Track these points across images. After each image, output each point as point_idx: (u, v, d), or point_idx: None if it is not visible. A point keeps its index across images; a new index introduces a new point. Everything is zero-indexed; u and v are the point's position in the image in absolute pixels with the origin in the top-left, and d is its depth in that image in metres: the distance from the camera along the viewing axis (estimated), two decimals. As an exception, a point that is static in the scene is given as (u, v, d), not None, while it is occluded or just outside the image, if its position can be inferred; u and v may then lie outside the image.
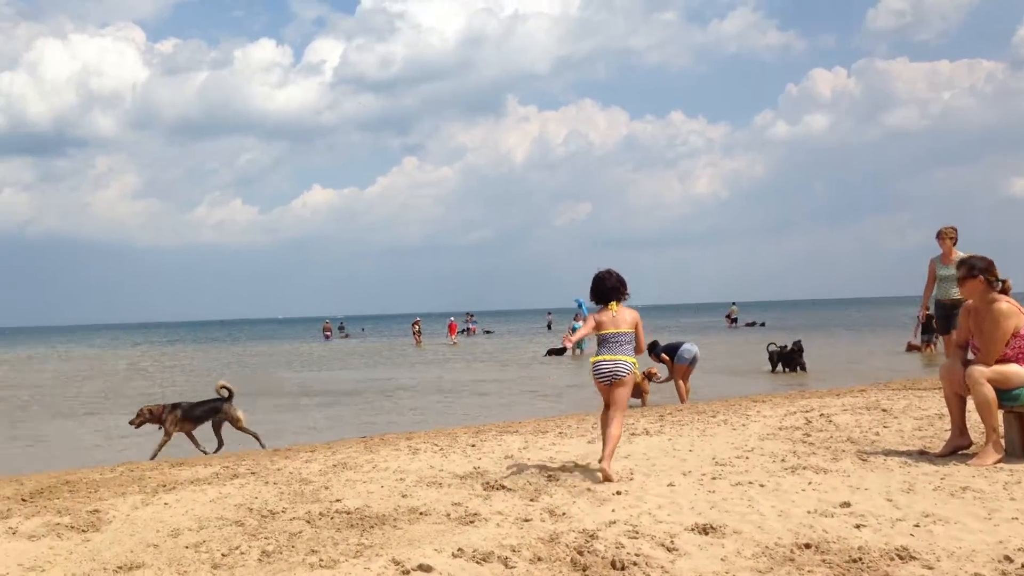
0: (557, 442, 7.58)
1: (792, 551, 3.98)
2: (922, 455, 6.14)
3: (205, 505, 5.35)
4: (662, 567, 3.83)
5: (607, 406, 6.25)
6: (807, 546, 4.03)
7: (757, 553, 3.98)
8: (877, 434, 7.14)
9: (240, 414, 9.12)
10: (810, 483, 5.36)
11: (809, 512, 4.66)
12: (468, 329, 51.18)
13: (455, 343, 40.80)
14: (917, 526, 4.30)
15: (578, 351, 27.55)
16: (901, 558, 3.81)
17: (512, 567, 3.88)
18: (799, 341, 18.58)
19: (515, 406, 13.85)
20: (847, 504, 4.76)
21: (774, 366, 18.31)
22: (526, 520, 4.70)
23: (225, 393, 9.10)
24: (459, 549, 4.12)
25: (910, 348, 22.78)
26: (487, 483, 5.71)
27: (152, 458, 8.48)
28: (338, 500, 5.36)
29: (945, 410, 6.47)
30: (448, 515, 4.87)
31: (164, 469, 7.16)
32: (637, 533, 4.37)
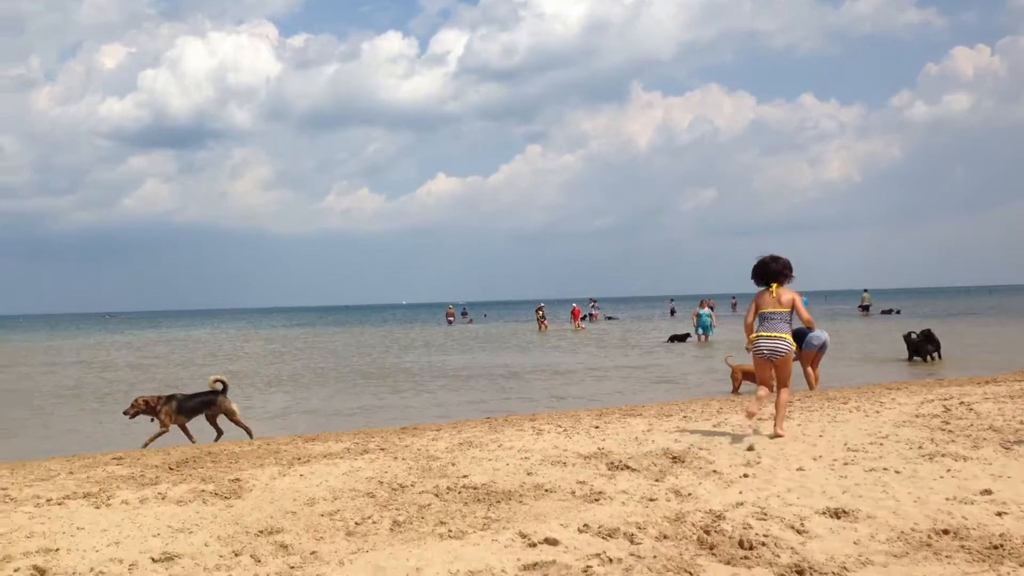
0: (681, 425, 7.53)
1: (929, 537, 3.86)
2: (1072, 444, 5.84)
3: (338, 477, 5.55)
4: (792, 548, 3.78)
5: (763, 382, 7.07)
6: (945, 532, 3.90)
7: (892, 538, 3.88)
8: (1022, 423, 6.81)
9: (235, 407, 8.88)
10: (948, 470, 5.17)
11: (947, 499, 4.50)
12: (591, 315, 51.08)
13: (578, 328, 40.83)
14: (1066, 516, 4.10)
15: (702, 337, 27.19)
16: (1048, 547, 3.65)
17: (638, 543, 3.90)
18: (928, 330, 17.84)
19: (638, 390, 13.79)
20: (988, 492, 4.58)
21: (911, 355, 17.64)
22: (651, 499, 4.70)
23: (219, 387, 8.87)
24: (584, 525, 4.16)
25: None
26: (611, 463, 5.73)
27: (144, 447, 8.17)
28: (465, 476, 5.47)
29: (1098, 398, 6.12)
30: (573, 492, 4.92)
31: (298, 443, 7.46)
32: (765, 515, 4.31)
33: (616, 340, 30.30)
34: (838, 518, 4.23)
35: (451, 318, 56.86)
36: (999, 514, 4.17)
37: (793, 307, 7.02)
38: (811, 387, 12.11)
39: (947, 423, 6.93)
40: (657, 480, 5.20)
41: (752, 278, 7.19)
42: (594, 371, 17.89)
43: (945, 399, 8.42)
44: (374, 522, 4.35)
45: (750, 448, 6.12)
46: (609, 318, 53.04)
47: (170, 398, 8.57)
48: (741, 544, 3.83)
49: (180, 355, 28.83)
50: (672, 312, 57.56)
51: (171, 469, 6.16)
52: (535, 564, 3.60)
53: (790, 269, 7.06)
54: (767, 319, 7.03)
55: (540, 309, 44.71)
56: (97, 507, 4.85)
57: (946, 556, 3.59)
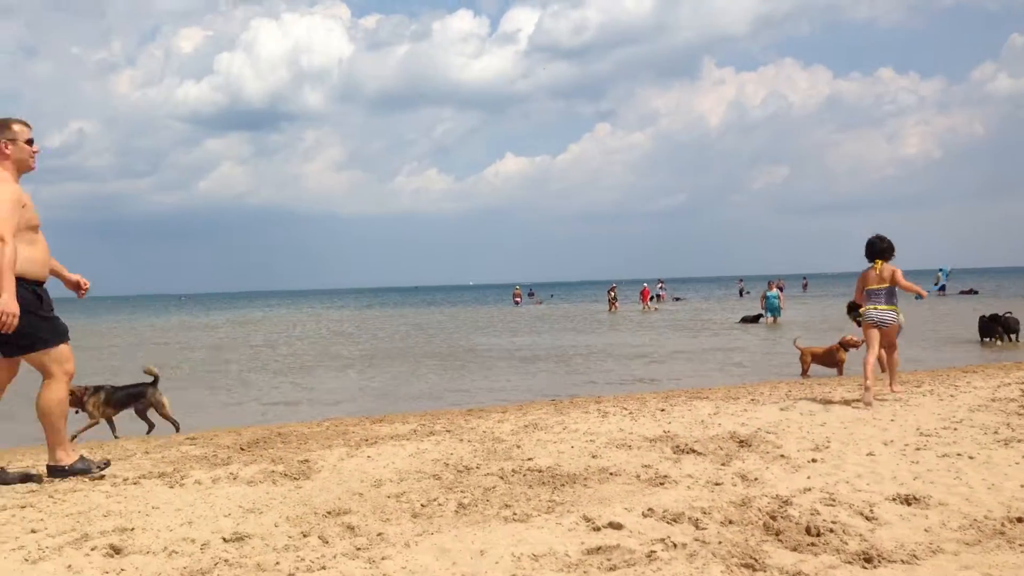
0: (749, 408, 7.46)
1: (1003, 524, 3.77)
2: None
3: (404, 459, 5.64)
4: (860, 535, 3.73)
5: (870, 348, 7.96)
6: (1019, 520, 3.81)
7: (964, 525, 3.80)
8: (1105, 407, 6.61)
9: (164, 399, 8.50)
10: (1025, 456, 5.04)
11: (1022, 486, 4.39)
12: (658, 296, 50.82)
13: (651, 309, 40.72)
14: None
15: (770, 318, 26.83)
16: None
17: (703, 528, 3.88)
18: (996, 314, 17.38)
19: (706, 373, 13.69)
20: (1068, 479, 4.46)
21: (982, 337, 17.22)
22: (717, 484, 4.68)
23: (150, 377, 8.48)
24: (649, 509, 4.16)
25: None
26: (677, 447, 5.71)
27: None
28: (530, 459, 5.51)
29: None
30: (638, 476, 4.92)
31: (366, 425, 7.59)
32: (834, 501, 4.26)
33: (685, 321, 30.07)
34: (908, 504, 4.16)
35: (518, 299, 57.05)
36: (1078, 502, 4.06)
37: (894, 280, 8.03)
38: (883, 370, 11.87)
39: (1025, 408, 6.75)
40: (723, 464, 5.17)
41: (866, 254, 8.24)
42: (662, 352, 17.80)
43: (1023, 383, 8.19)
44: (439, 504, 4.41)
45: (822, 424, 6.05)
46: (677, 299, 52.70)
47: (98, 389, 8.23)
48: (808, 530, 3.79)
49: (260, 335, 29.45)
50: (741, 293, 56.99)
51: (242, 450, 6.32)
52: (599, 548, 3.61)
53: (892, 248, 8.16)
54: (873, 294, 8.13)
55: (612, 290, 44.62)
56: (171, 487, 5.00)
57: (1020, 544, 3.51)
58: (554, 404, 8.85)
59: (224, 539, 3.87)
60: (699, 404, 7.92)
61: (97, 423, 8.16)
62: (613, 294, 43.63)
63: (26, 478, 5.17)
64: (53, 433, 5.16)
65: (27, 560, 3.60)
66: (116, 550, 3.74)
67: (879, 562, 3.39)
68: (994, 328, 17.02)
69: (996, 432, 5.79)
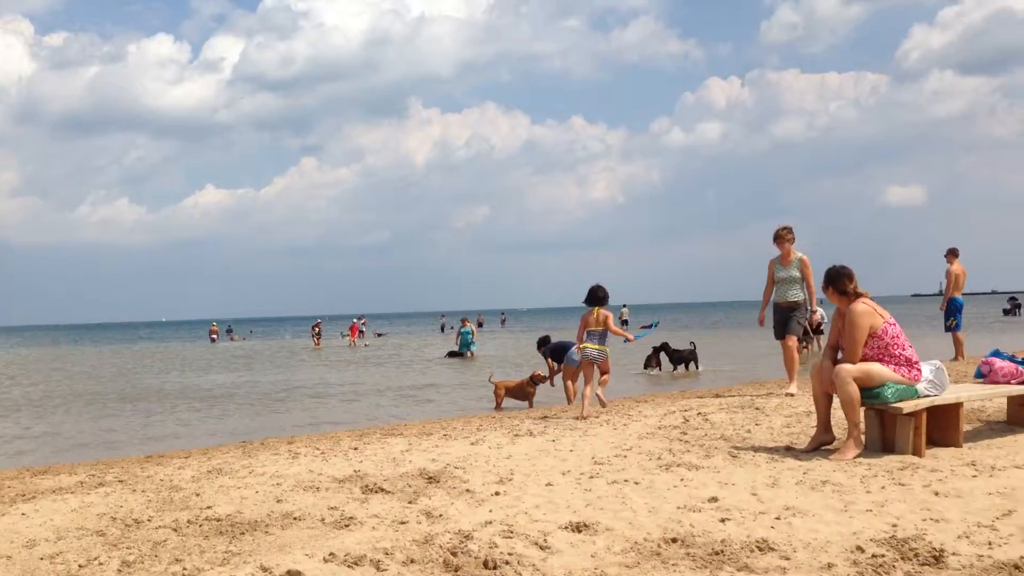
0: (440, 444, 7.58)
1: (659, 545, 4.07)
2: (789, 451, 6.37)
3: (66, 515, 5.14)
4: (533, 565, 3.87)
5: (586, 379, 9.73)
6: (673, 540, 4.13)
7: (626, 548, 4.06)
8: (749, 431, 7.38)
9: None
10: (682, 479, 5.50)
11: (678, 507, 4.78)
12: (361, 332, 50.68)
13: (354, 345, 40.69)
14: (778, 519, 4.45)
15: (470, 353, 27.63)
16: (760, 550, 3.94)
17: (384, 570, 3.86)
18: (666, 343, 19.18)
19: (404, 408, 13.79)
20: (715, 499, 4.90)
21: (645, 365, 18.90)
22: (402, 522, 4.68)
23: None
24: (331, 553, 4.07)
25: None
26: (366, 486, 5.66)
27: None
28: (209, 507, 5.23)
29: (813, 407, 6.73)
30: (323, 519, 4.81)
31: (25, 478, 6.87)
32: (512, 532, 4.40)
33: (388, 357, 30.19)
34: (579, 532, 4.38)
35: (215, 336, 54.65)
36: (723, 520, 4.47)
37: (607, 325, 9.63)
38: (569, 401, 12.55)
39: (685, 433, 7.39)
40: (410, 502, 5.19)
41: (586, 300, 9.72)
42: (363, 389, 17.72)
43: (685, 410, 8.98)
44: (100, 563, 4.05)
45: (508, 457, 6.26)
46: (380, 335, 52.87)
47: None
48: (486, 564, 3.88)
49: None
50: (443, 328, 58.28)
51: None
52: (274, 598, 3.48)
53: (608, 297, 9.74)
54: (591, 334, 9.71)
55: (317, 325, 44.21)
56: None
57: (672, 564, 3.81)
58: (243, 446, 8.50)
59: None
60: (393, 441, 7.93)
61: None
62: (318, 330, 43.20)
63: None
64: None
65: None
66: None
67: (548, 591, 3.53)
68: (656, 358, 18.74)
69: (659, 458, 6.28)
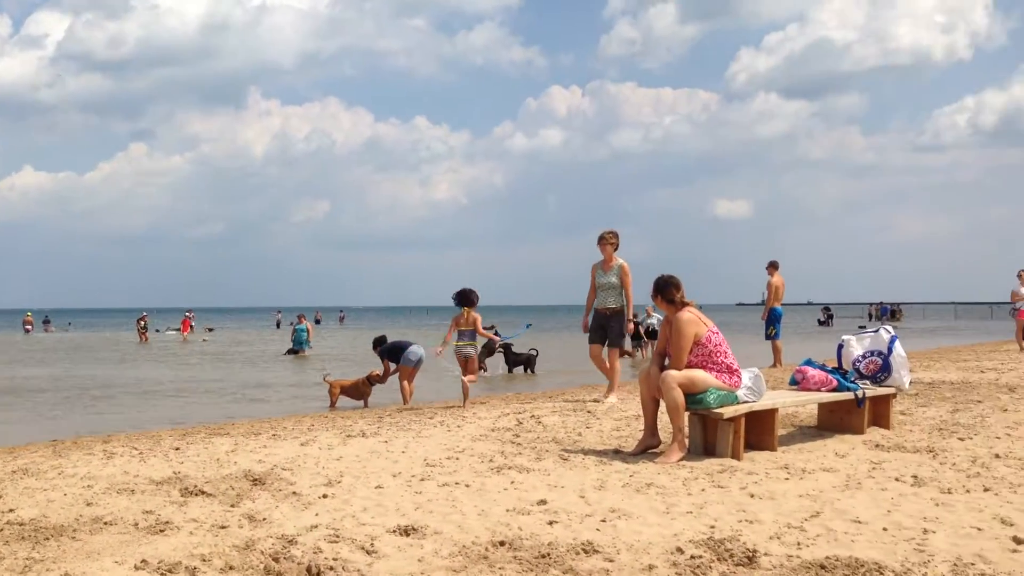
0: (269, 444, 7.35)
1: (487, 549, 4.07)
2: (617, 454, 6.53)
3: None
4: (359, 570, 3.79)
5: (464, 371, 10.64)
6: (501, 544, 4.14)
7: (454, 552, 4.04)
8: (580, 434, 7.52)
9: None
10: (512, 482, 5.53)
11: (508, 510, 4.80)
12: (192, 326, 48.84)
13: (186, 339, 39.29)
14: (604, 521, 4.54)
15: (303, 351, 27.10)
16: (586, 552, 4.00)
17: (200, 577, 3.69)
18: (508, 345, 19.41)
19: (233, 406, 13.34)
20: (543, 502, 4.96)
21: (508, 367, 19.07)
22: (222, 527, 4.49)
23: None
24: (143, 560, 3.86)
25: (621, 354, 24.35)
26: (185, 488, 5.41)
27: None
28: (11, 510, 4.87)
29: (641, 412, 6.92)
30: (136, 524, 4.56)
31: None
32: (338, 537, 4.30)
33: (221, 353, 29.20)
34: (407, 535, 4.33)
35: (29, 327, 51.41)
36: (550, 523, 4.52)
37: (475, 325, 10.71)
38: (405, 401, 12.47)
39: (517, 436, 7.45)
40: (233, 505, 5.00)
41: (456, 302, 10.70)
42: (190, 385, 17.04)
43: (519, 413, 9.08)
44: None
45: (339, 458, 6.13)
46: (209, 329, 51.08)
47: None
48: (309, 570, 3.77)
49: None
50: (278, 324, 56.96)
51: None
52: (77, 610, 3.26)
53: (478, 298, 10.74)
54: (462, 333, 10.73)
55: (143, 318, 42.26)
56: None
57: (499, 568, 3.81)
58: (53, 445, 7.99)
59: None
60: (218, 441, 7.64)
61: None
62: (143, 323, 41.31)
63: None
64: None
65: None
66: None
67: (372, 597, 3.47)
68: (480, 362, 19.02)
69: (491, 460, 6.31)
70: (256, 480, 5.69)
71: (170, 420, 11.30)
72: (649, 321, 23.44)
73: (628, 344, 24.33)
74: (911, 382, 8.30)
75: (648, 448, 6.54)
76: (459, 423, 8.44)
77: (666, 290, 6.59)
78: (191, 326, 44.58)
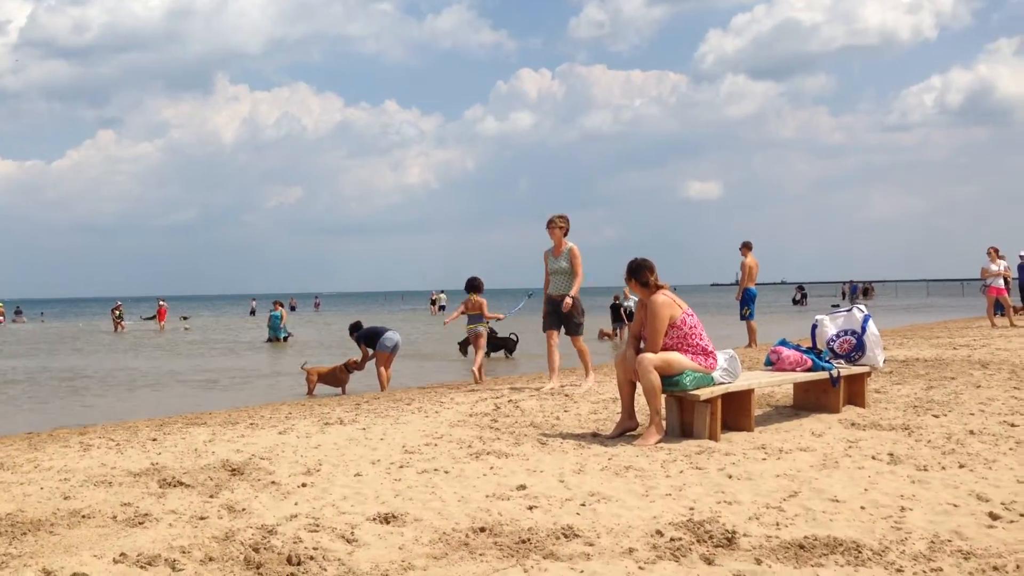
0: (247, 433, 7.31)
1: (467, 535, 4.08)
2: (595, 437, 6.55)
3: None
4: (339, 559, 3.79)
5: (477, 348, 12.51)
6: (482, 530, 4.15)
7: (434, 539, 4.04)
8: (558, 418, 7.54)
9: None
10: (492, 468, 5.54)
11: (488, 496, 4.81)
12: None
13: (163, 328, 39.11)
14: (583, 505, 4.56)
15: (279, 339, 26.97)
16: (566, 536, 4.02)
17: (180, 570, 3.67)
18: (492, 329, 19.40)
19: (210, 396, 13.27)
20: (523, 487, 4.97)
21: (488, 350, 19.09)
22: (202, 518, 4.47)
23: None
24: (122, 554, 3.83)
25: (602, 335, 24.45)
26: (164, 480, 5.38)
27: None
28: (-14, 506, 4.82)
29: (618, 395, 6.95)
30: (115, 517, 4.53)
31: None
32: (318, 526, 4.29)
33: (198, 342, 29.00)
34: (387, 523, 4.33)
35: (0, 318, 50.81)
36: (530, 508, 4.53)
37: (481, 309, 12.44)
38: (383, 387, 12.46)
39: (495, 421, 7.46)
40: (212, 496, 4.97)
41: (466, 288, 12.52)
42: (167, 375, 16.92)
43: (497, 397, 9.08)
44: None
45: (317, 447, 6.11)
46: (184, 318, 50.75)
47: None
48: (289, 560, 3.76)
49: None
50: (253, 312, 56.71)
51: None
52: (55, 606, 3.23)
53: (483, 286, 12.44)
54: (471, 317, 12.55)
55: (117, 308, 41.93)
56: None
57: (480, 554, 3.82)
58: (29, 438, 7.91)
59: None
60: (196, 431, 7.59)
61: None
62: (118, 312, 40.96)
63: None
64: None
65: None
66: None
67: (354, 586, 3.46)
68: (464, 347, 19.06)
69: (470, 446, 6.31)
70: (234, 470, 5.66)
71: (147, 411, 11.22)
72: (627, 303, 23.49)
73: (609, 326, 24.50)
74: (885, 360, 8.37)
75: (626, 431, 6.57)
76: (437, 409, 8.44)
77: (640, 273, 6.60)
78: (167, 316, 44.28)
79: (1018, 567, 3.49)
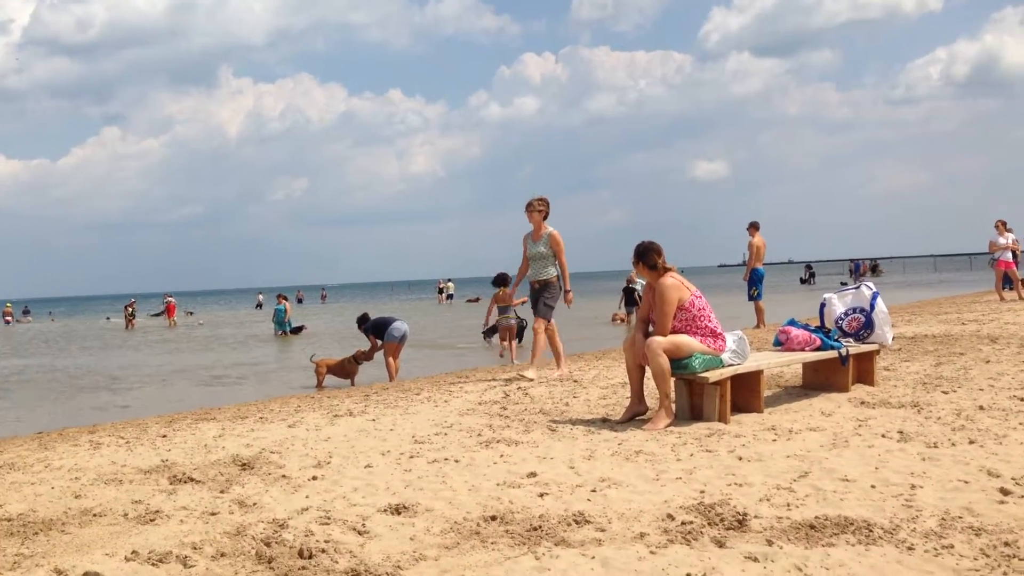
0: (256, 428, 7.32)
1: (479, 524, 4.07)
2: (604, 422, 6.54)
3: None
4: (351, 552, 3.79)
5: (510, 340, 14.70)
6: (493, 518, 4.14)
7: (446, 529, 4.04)
8: (567, 404, 7.53)
9: None
10: (502, 455, 5.54)
11: (498, 484, 4.80)
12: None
13: (174, 324, 39.29)
14: (594, 491, 4.55)
15: (280, 332, 27.03)
16: (577, 523, 4.01)
17: (192, 566, 3.67)
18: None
19: (220, 390, 13.30)
20: (533, 474, 4.96)
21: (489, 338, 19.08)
22: (213, 514, 4.47)
23: None
24: (133, 551, 3.84)
25: (615, 319, 24.46)
26: (174, 476, 5.39)
27: None
28: (-2, 507, 4.83)
29: (627, 379, 6.93)
30: (126, 514, 4.54)
31: None
32: (329, 519, 4.29)
33: (206, 336, 29.09)
34: (399, 514, 4.33)
35: (8, 318, 51.04)
36: (541, 495, 4.53)
37: (510, 300, 14.61)
38: (391, 378, 12.48)
39: (505, 409, 7.45)
40: (222, 491, 4.98)
41: (494, 282, 14.81)
42: (175, 371, 16.97)
43: (505, 385, 9.08)
44: None
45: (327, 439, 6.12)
46: (189, 313, 50.90)
47: None
48: (301, 553, 3.76)
49: None
50: (259, 305, 56.84)
51: None
52: (69, 605, 3.24)
53: (511, 279, 12.65)
54: (502, 309, 14.91)
55: (130, 305, 42.25)
56: None
57: (491, 542, 3.81)
58: (39, 438, 7.93)
59: None
60: (205, 426, 7.60)
61: None
62: (131, 309, 41.18)
63: None
64: None
65: None
66: None
67: (365, 578, 3.46)
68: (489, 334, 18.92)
69: (480, 434, 6.30)
70: (245, 465, 5.67)
71: (156, 407, 11.25)
72: (634, 287, 23.47)
73: (622, 310, 24.50)
74: (894, 337, 8.35)
75: (635, 415, 6.56)
76: (446, 398, 8.44)
77: (647, 256, 6.57)
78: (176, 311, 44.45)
79: (1031, 542, 3.47)
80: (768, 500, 4.25)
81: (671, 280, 6.43)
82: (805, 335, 7.37)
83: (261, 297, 59.13)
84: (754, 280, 16.75)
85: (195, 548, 3.89)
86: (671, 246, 6.78)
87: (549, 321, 9.72)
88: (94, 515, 4.56)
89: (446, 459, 5.53)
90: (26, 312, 58.29)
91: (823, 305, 7.97)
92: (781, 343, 7.51)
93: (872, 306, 7.66)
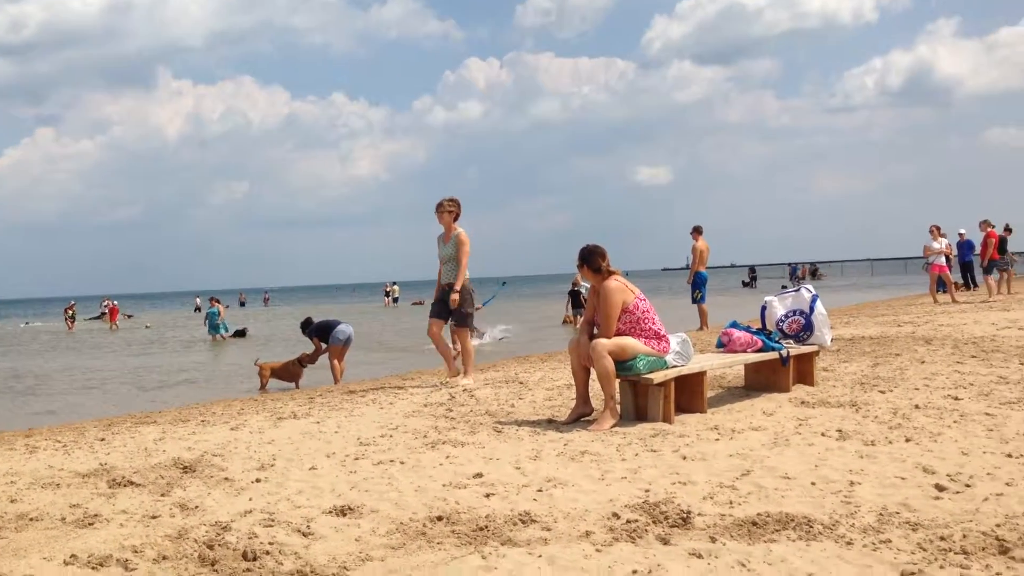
0: (198, 431, 7.21)
1: (425, 525, 4.06)
2: (550, 423, 6.57)
3: None
4: (296, 553, 3.75)
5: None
6: (439, 519, 4.14)
7: (392, 530, 4.02)
8: (513, 406, 7.55)
9: None
10: (448, 457, 5.53)
11: (444, 485, 4.80)
12: (104, 313, 47.63)
13: (116, 327, 38.63)
14: (540, 491, 4.57)
15: (219, 336, 26.65)
16: (523, 522, 4.03)
17: (133, 569, 3.61)
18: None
19: (160, 394, 13.07)
20: (479, 475, 4.97)
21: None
22: (153, 517, 4.40)
23: None
24: (72, 555, 3.76)
25: (566, 321, 24.63)
26: (113, 480, 5.28)
27: None
28: (-70, 512, 4.69)
29: (573, 381, 6.97)
30: (64, 519, 4.44)
31: None
32: (273, 521, 4.25)
33: (146, 340, 28.56)
34: (344, 515, 4.30)
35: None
36: (487, 496, 4.53)
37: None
38: (336, 380, 12.39)
39: (451, 410, 7.45)
40: (163, 495, 4.90)
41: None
42: (113, 374, 16.64)
43: (451, 387, 9.06)
44: None
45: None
46: (128, 316, 49.99)
47: None
48: (245, 556, 3.72)
49: None
50: (197, 308, 56.19)
51: None
52: (4, 611, 3.16)
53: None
54: None
55: (70, 307, 41.55)
56: None
57: (438, 542, 3.81)
58: (-28, 443, 7.71)
59: None
60: (145, 430, 7.47)
61: None
62: (71, 312, 40.48)
63: None
64: None
65: None
66: None
67: (311, 579, 3.44)
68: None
69: (426, 436, 6.29)
70: (186, 468, 5.58)
71: (95, 411, 11.02)
72: (579, 289, 23.63)
73: (569, 312, 24.68)
74: (832, 339, 8.52)
75: (581, 416, 6.60)
76: (391, 400, 8.40)
77: (591, 259, 6.63)
78: (101, 314, 43.80)
79: (964, 536, 3.57)
80: (711, 498, 4.31)
81: (615, 283, 6.49)
82: (747, 337, 7.49)
83: (199, 300, 58.29)
84: (697, 283, 16.97)
85: (136, 551, 3.82)
86: (615, 250, 6.85)
87: (473, 329, 9.59)
88: (31, 519, 4.45)
89: (392, 461, 5.51)
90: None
91: (764, 308, 8.11)
92: (724, 345, 7.62)
93: (812, 308, 7.81)
